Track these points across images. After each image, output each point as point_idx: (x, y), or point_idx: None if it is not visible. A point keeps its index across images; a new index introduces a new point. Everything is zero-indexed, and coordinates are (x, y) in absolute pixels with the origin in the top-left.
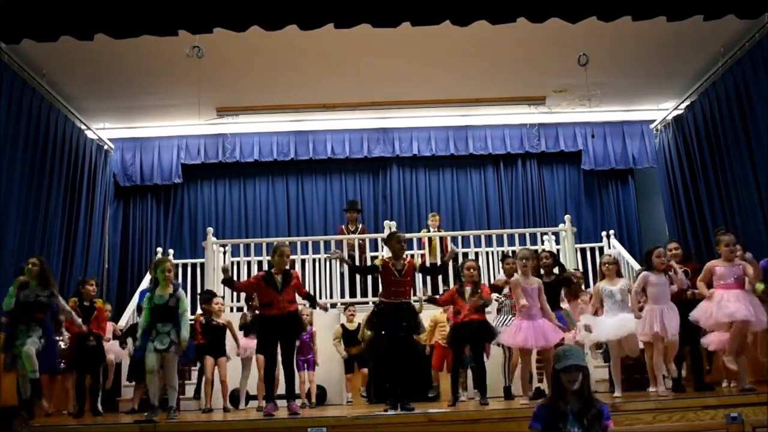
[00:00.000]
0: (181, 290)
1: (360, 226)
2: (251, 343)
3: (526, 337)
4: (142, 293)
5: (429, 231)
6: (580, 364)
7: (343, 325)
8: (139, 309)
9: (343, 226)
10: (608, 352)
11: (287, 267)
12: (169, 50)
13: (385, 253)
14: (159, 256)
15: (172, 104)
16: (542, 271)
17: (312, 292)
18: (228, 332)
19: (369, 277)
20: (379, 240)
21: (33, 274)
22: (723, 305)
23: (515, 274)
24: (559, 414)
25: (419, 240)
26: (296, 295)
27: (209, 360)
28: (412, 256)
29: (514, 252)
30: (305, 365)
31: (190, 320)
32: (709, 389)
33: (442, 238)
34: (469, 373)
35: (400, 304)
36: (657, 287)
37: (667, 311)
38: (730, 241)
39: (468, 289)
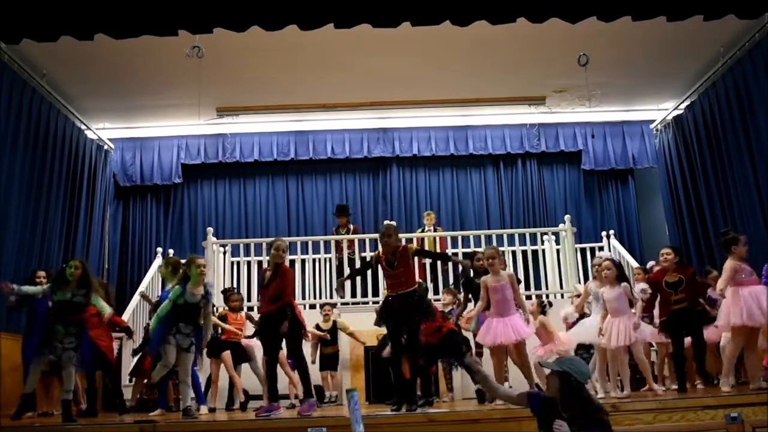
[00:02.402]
0: (211, 290)
1: (351, 227)
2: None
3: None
4: (164, 294)
5: (424, 230)
6: (555, 369)
7: (317, 326)
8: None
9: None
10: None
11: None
12: (169, 50)
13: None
14: (179, 254)
15: (172, 104)
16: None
17: (312, 292)
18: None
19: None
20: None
21: (75, 276)
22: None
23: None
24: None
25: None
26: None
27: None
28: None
29: (512, 252)
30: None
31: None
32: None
33: (438, 239)
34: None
35: (406, 295)
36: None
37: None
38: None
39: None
